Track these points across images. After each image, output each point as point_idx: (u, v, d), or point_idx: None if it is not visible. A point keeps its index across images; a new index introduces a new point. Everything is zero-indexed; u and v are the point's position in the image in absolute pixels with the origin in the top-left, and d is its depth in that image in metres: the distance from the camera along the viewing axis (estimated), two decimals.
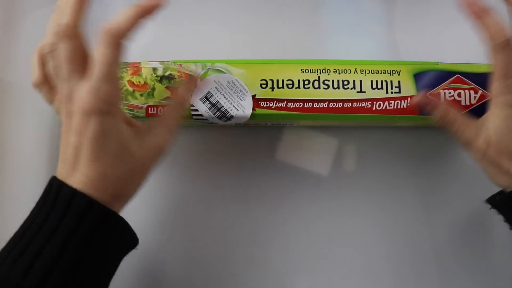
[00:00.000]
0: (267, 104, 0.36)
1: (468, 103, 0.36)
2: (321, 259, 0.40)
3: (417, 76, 0.36)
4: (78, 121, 0.28)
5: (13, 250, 0.27)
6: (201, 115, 0.36)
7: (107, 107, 0.28)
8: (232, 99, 0.36)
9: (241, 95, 0.36)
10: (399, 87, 0.36)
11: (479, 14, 0.31)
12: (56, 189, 0.28)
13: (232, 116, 0.36)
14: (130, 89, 0.36)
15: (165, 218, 0.40)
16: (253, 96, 0.36)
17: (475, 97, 0.36)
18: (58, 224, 0.27)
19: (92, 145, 0.28)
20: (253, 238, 0.40)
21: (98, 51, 0.28)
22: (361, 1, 0.45)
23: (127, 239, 0.31)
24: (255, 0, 0.44)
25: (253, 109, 0.36)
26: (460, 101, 0.36)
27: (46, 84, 0.31)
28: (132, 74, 0.37)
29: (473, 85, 0.36)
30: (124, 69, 0.37)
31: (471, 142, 0.33)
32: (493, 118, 0.32)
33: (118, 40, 0.28)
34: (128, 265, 0.38)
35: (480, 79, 0.36)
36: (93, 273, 0.28)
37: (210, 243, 0.40)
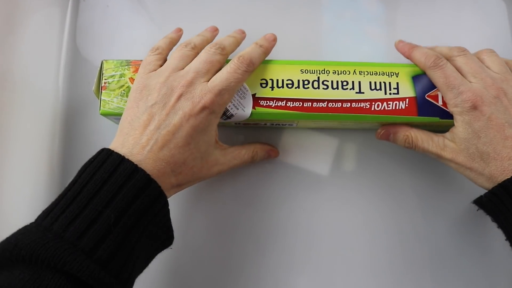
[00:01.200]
0: (267, 103, 0.36)
1: None
2: (321, 259, 0.40)
3: (416, 78, 0.37)
4: (191, 108, 0.32)
5: (66, 210, 0.27)
6: None
7: (219, 110, 0.34)
8: (232, 98, 0.36)
9: (241, 94, 0.36)
10: (397, 88, 0.36)
11: (408, 51, 0.38)
12: (114, 161, 0.29)
13: (232, 115, 0.36)
14: (131, 85, 0.36)
15: None
16: (253, 95, 0.36)
17: None
18: (116, 194, 0.28)
19: (191, 132, 0.32)
20: (252, 239, 0.40)
21: (234, 69, 0.34)
22: (361, 2, 0.46)
23: (166, 229, 0.32)
24: (256, 1, 0.45)
25: (253, 107, 0.36)
26: None
27: (162, 53, 0.37)
28: (134, 71, 0.37)
29: None
30: (127, 67, 0.37)
31: (440, 154, 0.35)
32: (455, 126, 0.35)
33: (251, 69, 0.35)
34: None
35: None
36: (136, 251, 0.29)
37: (209, 243, 0.40)
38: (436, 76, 0.35)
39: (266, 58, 0.37)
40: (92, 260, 0.26)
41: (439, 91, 0.36)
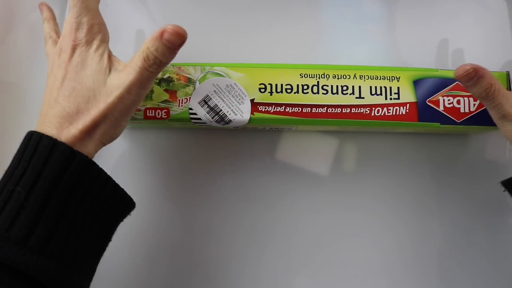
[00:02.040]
0: (265, 108, 0.36)
1: (467, 110, 0.36)
2: (320, 260, 0.40)
3: (417, 83, 0.36)
4: (65, 55, 0.31)
5: None
6: (199, 118, 0.36)
7: (90, 38, 0.31)
8: (230, 103, 0.36)
9: (239, 99, 0.36)
10: (398, 93, 0.36)
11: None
12: (27, 138, 0.29)
13: (230, 120, 0.36)
14: None
15: (165, 220, 0.41)
16: (252, 100, 0.36)
17: (474, 104, 0.36)
18: (26, 169, 0.27)
19: (71, 76, 0.30)
20: (252, 239, 0.40)
21: None
22: (362, 6, 0.45)
23: (108, 191, 0.30)
24: (256, 4, 0.44)
25: (252, 113, 0.36)
26: (459, 108, 0.36)
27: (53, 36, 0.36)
28: None
29: None
30: None
31: (509, 115, 0.32)
32: None
33: None
34: (128, 265, 0.39)
35: None
36: (66, 222, 0.27)
37: (209, 242, 0.40)
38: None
39: (266, 62, 0.37)
40: (8, 241, 0.25)
41: (440, 96, 0.36)
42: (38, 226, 0.26)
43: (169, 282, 0.40)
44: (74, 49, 0.31)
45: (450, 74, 0.37)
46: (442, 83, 0.36)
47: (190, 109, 0.36)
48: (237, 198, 0.41)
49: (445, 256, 0.40)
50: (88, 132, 0.29)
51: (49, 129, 0.29)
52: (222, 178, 0.41)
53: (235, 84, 0.36)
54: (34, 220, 0.26)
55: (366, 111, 0.36)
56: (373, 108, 0.36)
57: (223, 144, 0.41)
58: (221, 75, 0.36)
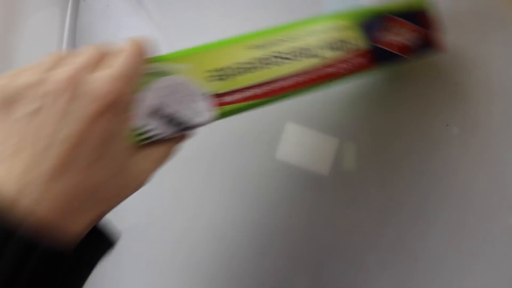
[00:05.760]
0: (225, 99, 0.29)
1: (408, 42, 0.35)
2: (321, 261, 0.40)
3: (364, 27, 0.33)
4: (91, 105, 0.23)
5: None
6: (153, 136, 0.27)
7: (124, 106, 0.25)
8: (182, 105, 0.28)
9: (190, 98, 0.28)
10: (354, 42, 0.33)
11: None
12: None
13: (191, 126, 0.28)
14: None
15: (163, 220, 0.41)
16: (205, 95, 0.29)
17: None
18: None
19: (96, 147, 0.23)
20: (252, 239, 0.41)
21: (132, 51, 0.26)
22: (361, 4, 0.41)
23: (99, 253, 0.26)
24: (256, 6, 0.44)
25: (210, 110, 0.29)
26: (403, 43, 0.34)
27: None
28: None
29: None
30: None
31: None
32: None
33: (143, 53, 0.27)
34: (128, 265, 0.40)
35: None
36: None
37: (209, 243, 0.41)
38: None
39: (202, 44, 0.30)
40: None
41: (385, 34, 0.34)
42: None
43: (169, 282, 0.41)
44: (104, 111, 0.23)
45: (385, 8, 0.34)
46: (383, 21, 0.34)
47: (138, 128, 0.27)
48: (237, 198, 0.42)
49: (445, 256, 0.40)
50: (102, 216, 0.25)
51: (40, 212, 0.21)
52: (223, 176, 0.42)
53: (181, 81, 0.28)
54: None
55: (332, 71, 0.32)
56: (338, 64, 0.32)
57: (223, 145, 0.43)
58: (162, 74, 0.28)
